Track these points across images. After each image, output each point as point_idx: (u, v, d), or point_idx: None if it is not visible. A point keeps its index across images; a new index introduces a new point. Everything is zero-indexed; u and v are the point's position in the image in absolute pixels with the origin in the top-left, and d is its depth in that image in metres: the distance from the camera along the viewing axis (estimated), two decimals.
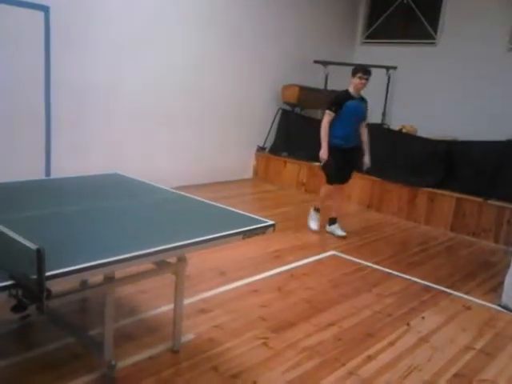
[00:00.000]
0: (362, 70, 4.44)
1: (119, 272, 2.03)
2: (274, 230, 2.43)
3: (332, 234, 4.76)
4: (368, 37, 8.50)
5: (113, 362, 2.17)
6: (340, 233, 4.73)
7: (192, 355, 2.45)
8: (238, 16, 6.41)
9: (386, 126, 6.97)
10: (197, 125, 6.26)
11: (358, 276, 3.78)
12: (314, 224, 4.82)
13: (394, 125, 7.18)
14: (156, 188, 3.01)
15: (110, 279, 2.00)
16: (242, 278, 3.50)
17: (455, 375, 2.51)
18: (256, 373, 2.37)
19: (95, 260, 1.71)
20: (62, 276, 1.57)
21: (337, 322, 2.97)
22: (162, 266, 2.34)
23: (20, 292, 1.43)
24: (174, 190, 3.00)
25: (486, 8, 7.00)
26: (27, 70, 4.54)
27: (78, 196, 2.68)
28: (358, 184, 6.09)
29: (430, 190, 5.45)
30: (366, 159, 4.72)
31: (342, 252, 4.27)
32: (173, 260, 2.36)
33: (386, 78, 7.68)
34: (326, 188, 4.75)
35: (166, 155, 5.96)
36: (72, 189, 2.85)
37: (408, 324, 3.02)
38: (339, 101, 4.47)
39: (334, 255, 4.21)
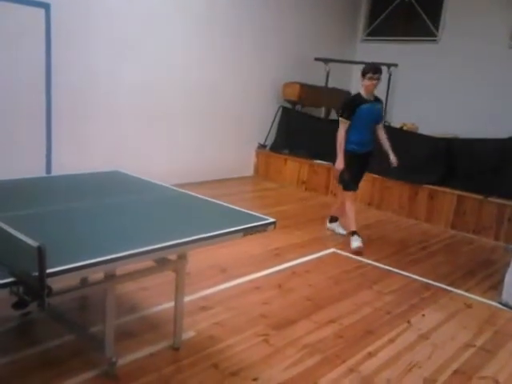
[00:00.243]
0: (372, 70, 4.14)
1: (120, 269, 2.04)
2: (274, 227, 2.43)
3: (333, 231, 4.72)
4: (369, 34, 8.48)
5: (113, 359, 2.18)
6: (341, 231, 4.68)
7: (192, 352, 2.46)
8: (238, 14, 6.40)
9: (386, 124, 6.95)
10: (197, 122, 6.25)
11: (359, 273, 3.78)
12: (356, 242, 4.25)
13: (395, 122, 7.19)
14: (156, 185, 3.01)
15: (110, 276, 2.00)
16: (242, 275, 3.50)
17: (455, 372, 2.51)
18: (256, 370, 2.37)
19: (96, 257, 1.72)
20: (62, 273, 1.57)
21: (337, 319, 2.98)
22: (162, 263, 2.35)
23: (21, 289, 1.43)
24: (175, 188, 3.00)
25: (488, 5, 6.98)
26: (28, 68, 4.54)
27: (79, 193, 2.68)
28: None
29: (431, 187, 5.45)
30: (392, 158, 4.41)
31: (342, 250, 4.28)
32: (173, 257, 2.36)
33: (387, 75, 7.66)
34: (348, 199, 4.42)
35: (167, 153, 5.96)
36: (73, 186, 2.85)
37: (408, 321, 3.03)
38: (352, 106, 4.22)
39: (335, 253, 4.21)
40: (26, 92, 4.57)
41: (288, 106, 7.23)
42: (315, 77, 7.24)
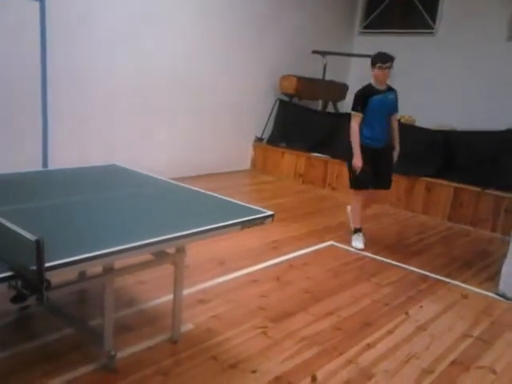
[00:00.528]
0: (381, 59, 3.87)
1: (118, 263, 2.04)
2: (272, 220, 2.43)
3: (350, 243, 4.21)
4: (366, 27, 8.45)
5: (112, 353, 2.19)
6: (362, 245, 4.14)
7: (191, 345, 2.46)
8: (234, 6, 6.36)
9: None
10: (194, 116, 6.23)
11: (356, 266, 3.79)
12: (356, 243, 4.17)
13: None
14: (154, 179, 3.00)
15: (109, 270, 2.00)
16: (240, 268, 3.51)
17: (453, 362, 2.53)
18: (255, 362, 2.38)
19: (94, 251, 1.71)
20: (61, 267, 1.57)
21: (335, 311, 2.99)
22: (161, 256, 2.35)
23: (19, 283, 1.43)
24: (173, 181, 3.00)
25: None
26: (23, 61, 4.51)
27: (77, 187, 2.68)
28: None
29: (428, 179, 5.46)
30: (395, 153, 4.19)
31: (339, 242, 4.28)
32: (171, 251, 2.36)
33: None
34: (354, 198, 4.22)
35: (164, 146, 5.94)
36: (70, 180, 2.84)
37: (406, 313, 3.04)
38: (363, 98, 3.93)
39: (332, 245, 4.22)
40: (21, 86, 4.53)
41: (285, 98, 7.21)
42: (312, 70, 7.22)
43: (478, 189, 5.11)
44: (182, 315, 2.52)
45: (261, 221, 2.35)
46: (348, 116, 6.72)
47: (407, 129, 6.16)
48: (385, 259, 3.95)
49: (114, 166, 3.29)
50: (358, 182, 4.07)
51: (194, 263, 3.39)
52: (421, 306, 3.15)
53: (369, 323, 2.87)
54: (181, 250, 2.35)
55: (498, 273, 3.57)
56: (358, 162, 3.94)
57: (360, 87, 4.07)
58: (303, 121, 6.89)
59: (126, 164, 3.33)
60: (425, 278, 3.63)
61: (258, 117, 7.11)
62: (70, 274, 2.00)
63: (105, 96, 5.24)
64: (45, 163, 4.75)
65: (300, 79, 6.93)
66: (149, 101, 5.67)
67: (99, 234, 1.95)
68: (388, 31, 8.04)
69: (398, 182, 5.67)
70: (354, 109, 3.98)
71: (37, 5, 4.35)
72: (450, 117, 6.83)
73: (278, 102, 7.19)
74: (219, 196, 2.72)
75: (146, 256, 2.20)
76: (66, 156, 4.74)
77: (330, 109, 7.75)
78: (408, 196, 5.61)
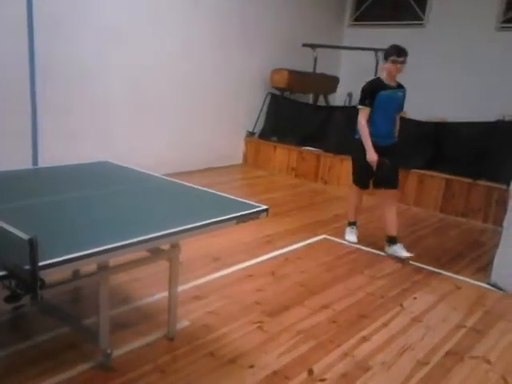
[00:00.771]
0: (396, 52, 3.62)
1: (112, 260, 2.02)
2: (267, 214, 2.43)
3: (394, 255, 3.84)
4: (356, 19, 8.44)
5: (108, 351, 2.18)
6: (405, 254, 3.79)
7: (188, 342, 2.46)
8: (224, 1, 6.31)
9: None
10: (185, 111, 6.19)
11: (350, 259, 3.81)
12: (349, 237, 4.17)
13: None
14: (147, 175, 2.98)
15: (104, 268, 1.98)
16: (235, 263, 3.51)
17: (448, 353, 2.55)
18: (252, 357, 2.38)
19: (89, 249, 1.69)
20: (55, 266, 1.55)
21: (330, 304, 3.00)
22: (155, 253, 2.33)
23: (13, 282, 1.41)
24: (166, 177, 2.98)
25: None
26: (11, 57, 4.44)
27: (68, 184, 2.65)
28: (348, 167, 6.09)
29: (420, 171, 5.49)
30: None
31: (333, 235, 4.29)
32: (166, 247, 2.35)
33: (375, 60, 7.65)
34: (353, 193, 4.19)
35: (155, 142, 5.90)
36: (63, 177, 2.81)
37: (401, 305, 3.06)
38: (372, 91, 3.71)
39: (326, 239, 4.23)
40: (9, 81, 4.47)
41: (276, 92, 7.19)
42: (303, 63, 7.21)
43: (469, 180, 5.15)
44: (177, 312, 2.51)
45: (256, 215, 2.35)
46: (339, 109, 6.82)
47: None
48: (378, 252, 3.97)
49: (106, 162, 3.26)
50: (357, 177, 4.03)
51: (188, 259, 3.38)
52: (415, 298, 3.17)
53: (364, 316, 2.88)
54: (175, 246, 2.33)
55: (490, 263, 3.61)
56: (372, 156, 3.72)
57: (364, 81, 3.87)
58: (295, 114, 6.87)
59: (118, 160, 3.30)
60: (418, 270, 3.65)
61: (250, 111, 7.08)
62: (64, 272, 1.98)
63: (97, 92, 5.18)
64: (35, 161, 4.71)
65: (291, 73, 6.90)
66: (140, 97, 5.62)
67: (93, 231, 1.94)
68: (378, 23, 8.03)
69: None
70: (361, 103, 3.77)
71: None
72: (440, 108, 6.85)
73: (269, 96, 7.17)
74: (213, 191, 2.71)
75: (140, 253, 2.18)
76: (56, 154, 4.69)
77: (322, 102, 7.74)
78: (400, 188, 5.61)
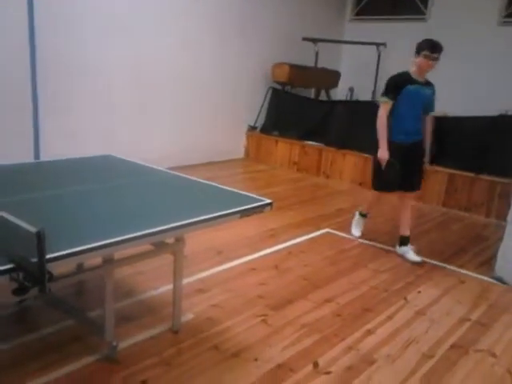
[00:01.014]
0: (430, 47, 3.39)
1: (117, 253, 2.02)
2: (271, 208, 2.42)
3: (403, 256, 3.73)
4: (357, 13, 8.40)
5: (114, 343, 2.18)
6: (413, 257, 3.66)
7: (192, 335, 2.46)
8: None
9: (378, 103, 6.93)
10: (187, 106, 6.17)
11: (353, 253, 3.80)
12: (355, 229, 4.13)
13: None
14: (150, 169, 2.97)
15: (109, 261, 1.98)
16: (238, 257, 3.50)
17: (452, 346, 2.55)
18: (256, 350, 2.38)
19: (94, 242, 1.69)
20: (62, 258, 1.54)
21: (334, 298, 3.00)
22: (160, 246, 2.33)
23: (21, 275, 1.41)
24: (169, 171, 2.97)
25: None
26: (12, 52, 4.42)
27: (73, 178, 2.64)
28: (351, 161, 6.10)
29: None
30: (425, 158, 3.80)
31: (336, 229, 4.29)
32: (170, 240, 2.34)
33: (377, 54, 7.63)
34: (374, 197, 3.96)
35: (157, 137, 5.89)
36: (65, 171, 2.80)
37: (405, 298, 3.06)
38: (397, 85, 3.48)
39: (329, 232, 4.23)
40: (10, 79, 4.45)
41: (278, 87, 7.16)
42: (304, 57, 7.18)
43: (471, 174, 5.13)
44: (181, 305, 2.51)
45: (260, 209, 2.34)
46: (341, 103, 6.80)
47: None
48: (381, 245, 3.96)
49: (109, 156, 3.25)
50: (381, 182, 3.66)
51: (191, 253, 3.38)
52: (419, 292, 3.17)
53: (368, 309, 2.88)
54: (180, 240, 2.33)
55: (493, 257, 3.61)
56: (384, 153, 3.49)
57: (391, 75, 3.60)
58: (296, 109, 6.85)
59: (119, 154, 3.29)
60: (422, 264, 3.64)
61: (251, 105, 7.06)
62: (68, 265, 1.97)
63: (99, 86, 5.17)
64: (37, 155, 4.69)
65: (292, 67, 6.88)
66: (141, 92, 5.60)
67: (98, 224, 1.93)
68: (379, 18, 7.99)
69: None
70: (383, 96, 3.53)
71: None
72: (442, 102, 6.80)
73: (270, 90, 7.14)
74: (217, 185, 2.70)
75: (144, 246, 2.17)
76: (57, 148, 4.68)
77: (323, 97, 7.72)
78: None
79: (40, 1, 4.46)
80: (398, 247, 3.80)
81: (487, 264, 3.69)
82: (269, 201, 2.43)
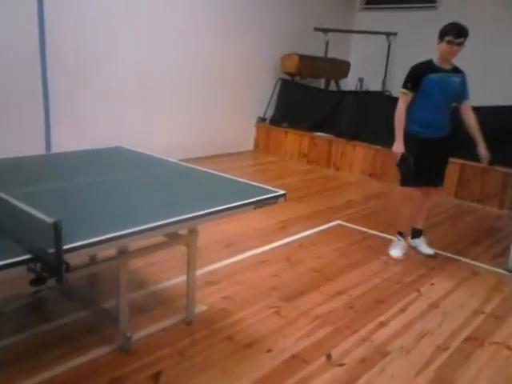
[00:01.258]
0: (454, 32, 3.18)
1: (130, 245, 2.02)
2: (285, 199, 2.41)
3: (416, 249, 3.67)
4: (367, 2, 8.29)
5: (128, 334, 2.18)
6: (426, 250, 3.60)
7: (205, 326, 2.46)
8: None
9: (388, 94, 6.88)
10: (196, 97, 6.15)
11: (365, 244, 3.78)
12: (394, 250, 3.58)
13: (395, 93, 7.09)
14: (161, 160, 2.96)
15: (123, 252, 1.98)
16: (249, 249, 3.50)
17: (467, 338, 2.53)
18: (270, 341, 2.38)
19: (109, 233, 1.68)
20: (78, 249, 1.54)
21: (347, 290, 2.98)
22: (173, 237, 2.32)
23: (38, 266, 1.41)
24: (180, 162, 2.96)
25: None
26: (21, 42, 4.41)
27: (84, 170, 2.64)
28: (361, 152, 6.05)
29: None
30: (481, 150, 3.51)
31: (347, 221, 4.27)
32: (184, 232, 2.34)
33: (387, 44, 7.55)
34: (400, 193, 3.61)
35: (166, 129, 5.88)
36: (76, 163, 2.80)
37: (418, 290, 3.04)
38: (417, 74, 3.28)
39: (340, 224, 4.21)
40: (20, 68, 4.45)
41: (287, 78, 7.11)
42: (314, 48, 7.11)
43: (484, 165, 5.06)
44: (195, 296, 2.51)
45: (274, 200, 2.33)
46: (351, 94, 6.74)
47: None
48: (393, 237, 3.93)
49: (119, 147, 3.24)
50: (405, 178, 3.44)
51: (202, 245, 3.34)
52: (432, 284, 3.15)
53: (381, 301, 2.87)
54: (193, 231, 2.32)
55: (507, 249, 3.57)
56: (398, 147, 3.32)
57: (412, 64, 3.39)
58: (305, 100, 6.81)
59: (128, 145, 3.28)
60: (433, 256, 3.61)
61: (260, 97, 7.02)
62: (82, 257, 1.98)
63: (108, 78, 5.16)
64: (48, 148, 4.71)
65: (302, 57, 6.82)
66: (151, 84, 5.59)
67: (113, 216, 1.93)
68: (389, 6, 7.88)
69: None
70: (403, 86, 3.32)
71: None
72: None
73: (279, 81, 7.10)
74: (229, 176, 2.68)
75: (157, 238, 2.17)
76: (68, 140, 4.69)
77: (333, 87, 7.65)
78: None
79: None
80: (410, 239, 3.73)
81: (501, 256, 3.65)
82: (282, 192, 2.42)
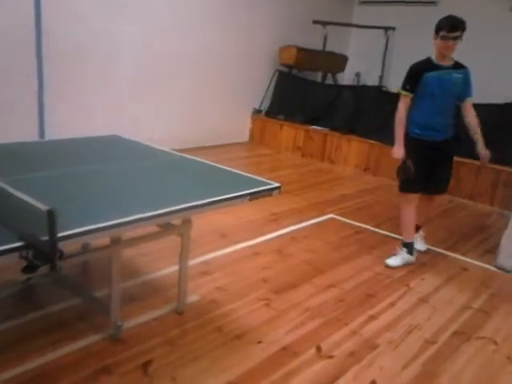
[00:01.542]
0: (447, 26, 3.00)
1: (123, 234, 2.02)
2: (279, 192, 2.42)
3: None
4: None
5: (119, 323, 2.19)
6: (419, 246, 3.49)
7: (197, 316, 2.47)
8: None
9: (384, 89, 6.88)
10: (192, 87, 6.12)
11: (357, 238, 3.81)
12: (393, 260, 3.32)
13: (392, 88, 7.09)
14: (157, 150, 2.96)
15: (117, 241, 1.98)
16: (242, 240, 3.51)
17: (454, 333, 2.57)
18: (260, 333, 2.40)
19: (102, 222, 1.69)
20: (72, 237, 1.54)
21: (338, 283, 3.01)
22: (167, 228, 2.33)
23: (31, 253, 1.41)
24: (176, 152, 2.95)
25: None
26: (17, 27, 4.36)
27: (80, 158, 2.63)
28: (355, 147, 6.07)
29: None
30: (480, 149, 3.33)
31: (340, 215, 4.29)
32: (177, 222, 2.34)
33: (385, 39, 7.54)
34: (402, 200, 3.36)
35: (162, 118, 5.85)
36: (72, 151, 2.79)
37: (408, 285, 3.07)
38: (415, 74, 3.11)
39: (333, 218, 4.23)
40: (14, 52, 4.40)
41: (284, 70, 7.09)
42: (311, 41, 7.08)
43: (476, 162, 5.10)
44: (186, 287, 2.52)
45: (269, 192, 2.34)
46: (347, 88, 6.74)
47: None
48: (385, 232, 3.97)
49: (115, 136, 3.23)
50: (405, 183, 3.27)
51: (195, 235, 3.33)
52: (422, 279, 3.18)
53: (371, 295, 2.89)
54: (187, 222, 2.33)
55: (496, 246, 3.61)
56: (397, 151, 3.16)
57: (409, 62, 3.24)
58: (302, 93, 6.80)
59: (123, 133, 3.27)
60: (426, 251, 3.64)
61: (257, 88, 7.00)
62: (74, 245, 1.98)
63: (104, 66, 5.12)
64: (42, 135, 4.67)
65: (300, 50, 6.80)
66: (148, 73, 5.56)
67: (107, 205, 1.92)
68: (389, 0, 7.86)
69: None
70: (402, 87, 3.16)
71: None
72: None
73: (277, 73, 7.07)
74: (225, 167, 2.68)
75: (151, 227, 2.17)
76: (63, 127, 4.65)
77: (330, 81, 7.64)
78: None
79: None
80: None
81: (490, 252, 3.69)
82: (277, 184, 2.43)
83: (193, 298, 2.64)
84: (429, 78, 3.09)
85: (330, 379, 2.11)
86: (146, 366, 2.07)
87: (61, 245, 1.52)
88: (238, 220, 3.89)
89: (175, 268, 2.50)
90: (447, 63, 3.13)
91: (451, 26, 3.01)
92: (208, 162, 2.77)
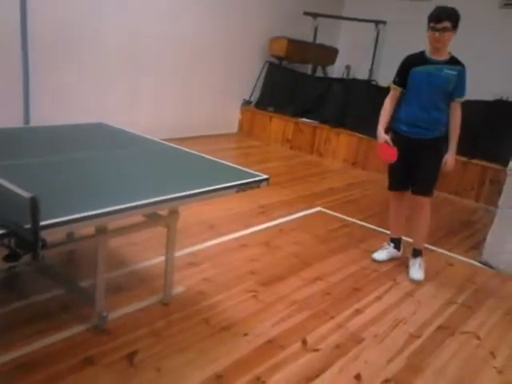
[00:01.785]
0: (434, 17, 2.87)
1: (110, 224, 1.99)
2: (267, 184, 2.40)
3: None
4: None
5: (104, 314, 2.16)
6: (413, 273, 3.15)
7: (182, 308, 2.46)
8: None
9: (374, 83, 6.88)
10: (182, 77, 6.05)
11: (345, 232, 3.81)
12: (378, 254, 3.34)
13: (381, 82, 7.09)
14: (143, 138, 2.91)
15: (103, 230, 1.95)
16: (229, 232, 3.49)
17: (439, 327, 2.59)
18: (246, 325, 2.39)
19: (87, 211, 1.65)
20: (56, 226, 1.51)
21: (325, 276, 3.01)
22: (154, 218, 2.30)
23: (13, 241, 1.37)
24: (163, 142, 2.91)
25: None
26: (0, 13, 4.26)
27: (65, 145, 2.58)
28: (344, 140, 6.07)
29: None
30: (448, 157, 3.05)
31: (328, 208, 4.29)
32: (164, 213, 2.31)
33: (375, 33, 7.52)
34: (389, 198, 3.36)
35: (150, 107, 5.78)
36: (58, 138, 2.73)
37: (394, 279, 3.08)
38: (404, 68, 3.01)
39: (320, 211, 4.23)
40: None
41: (275, 61, 7.04)
42: (302, 32, 7.04)
43: (463, 159, 5.14)
44: (173, 278, 2.50)
45: (256, 184, 2.32)
46: (337, 81, 6.72)
47: None
48: (373, 226, 3.98)
49: (100, 124, 3.18)
50: (388, 180, 3.24)
51: (183, 226, 3.30)
52: (408, 273, 3.19)
53: (358, 289, 2.90)
54: (174, 213, 2.30)
55: (481, 242, 3.64)
56: (380, 136, 3.10)
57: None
58: (292, 85, 6.76)
59: (109, 121, 3.22)
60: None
61: (247, 79, 6.94)
62: (59, 234, 1.94)
63: (91, 55, 5.02)
64: (26, 121, 4.58)
65: (290, 41, 6.75)
66: (136, 61, 5.47)
67: (92, 193, 1.89)
68: None
69: None
70: (393, 80, 3.10)
71: None
72: None
73: (267, 64, 7.02)
74: (213, 158, 2.65)
75: (137, 217, 2.14)
76: (48, 114, 4.56)
77: (319, 73, 7.62)
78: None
79: None
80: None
81: (475, 248, 3.73)
82: (265, 176, 2.41)
83: (179, 289, 2.62)
84: (416, 72, 2.96)
85: (316, 372, 2.11)
86: (131, 356, 2.05)
87: (44, 233, 1.49)
88: (226, 211, 3.86)
89: (163, 258, 2.48)
90: (441, 57, 2.96)
91: (437, 17, 2.85)
92: (196, 152, 2.74)
